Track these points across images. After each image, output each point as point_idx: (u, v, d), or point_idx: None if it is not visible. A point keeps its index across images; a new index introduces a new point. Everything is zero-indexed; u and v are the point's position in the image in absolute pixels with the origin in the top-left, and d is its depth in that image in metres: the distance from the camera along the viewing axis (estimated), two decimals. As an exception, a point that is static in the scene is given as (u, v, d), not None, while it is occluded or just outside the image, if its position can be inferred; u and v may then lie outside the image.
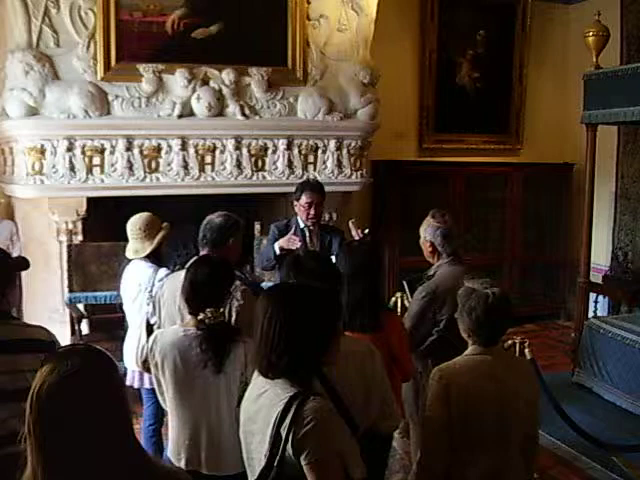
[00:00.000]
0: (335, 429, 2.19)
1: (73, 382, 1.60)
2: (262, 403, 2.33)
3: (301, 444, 2.12)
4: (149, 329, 4.13)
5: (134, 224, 4.52)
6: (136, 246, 4.53)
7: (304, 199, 5.08)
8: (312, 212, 5.07)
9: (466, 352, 2.91)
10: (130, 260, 4.59)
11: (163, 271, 4.39)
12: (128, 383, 4.65)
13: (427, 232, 4.12)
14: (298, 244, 4.92)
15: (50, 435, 1.58)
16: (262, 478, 2.21)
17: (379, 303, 3.52)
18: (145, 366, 4.11)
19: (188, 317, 3.17)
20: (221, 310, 3.12)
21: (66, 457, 1.60)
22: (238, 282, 3.47)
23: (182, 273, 3.29)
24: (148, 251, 4.49)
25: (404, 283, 4.59)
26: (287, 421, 2.16)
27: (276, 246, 5.00)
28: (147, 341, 3.94)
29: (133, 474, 1.66)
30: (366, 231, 5.23)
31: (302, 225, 5.15)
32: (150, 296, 4.33)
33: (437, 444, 2.77)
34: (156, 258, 4.53)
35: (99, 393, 1.63)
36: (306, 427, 2.11)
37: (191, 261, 3.46)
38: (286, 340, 2.24)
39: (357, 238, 5.13)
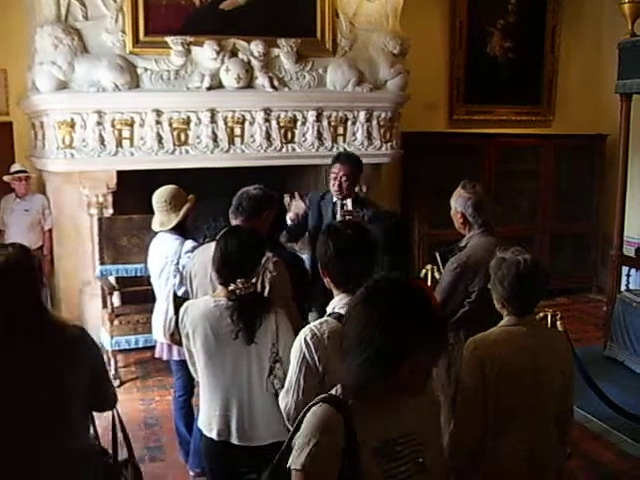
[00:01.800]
0: (325, 445, 1.88)
1: (5, 267, 2.45)
2: None
3: (291, 449, 1.96)
4: (176, 301, 4.13)
5: (159, 197, 4.48)
6: (162, 219, 4.50)
7: (332, 170, 5.09)
8: (337, 183, 5.03)
9: (501, 323, 2.88)
10: (156, 233, 4.57)
11: (189, 243, 4.37)
12: (157, 355, 4.68)
13: (458, 203, 4.07)
14: (301, 207, 5.26)
15: None
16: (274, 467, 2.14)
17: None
18: (173, 339, 4.15)
19: (219, 288, 3.17)
20: (252, 281, 3.11)
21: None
22: (270, 254, 3.45)
23: (213, 245, 3.28)
24: (174, 223, 4.46)
25: (436, 254, 4.55)
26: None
27: (288, 220, 5.02)
28: (174, 313, 3.97)
29: (42, 323, 2.55)
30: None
31: (334, 199, 5.13)
32: (177, 268, 4.33)
33: (470, 415, 2.74)
34: (182, 230, 4.50)
35: (21, 274, 2.50)
36: (294, 434, 1.97)
37: (221, 232, 3.44)
38: (351, 337, 1.93)
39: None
